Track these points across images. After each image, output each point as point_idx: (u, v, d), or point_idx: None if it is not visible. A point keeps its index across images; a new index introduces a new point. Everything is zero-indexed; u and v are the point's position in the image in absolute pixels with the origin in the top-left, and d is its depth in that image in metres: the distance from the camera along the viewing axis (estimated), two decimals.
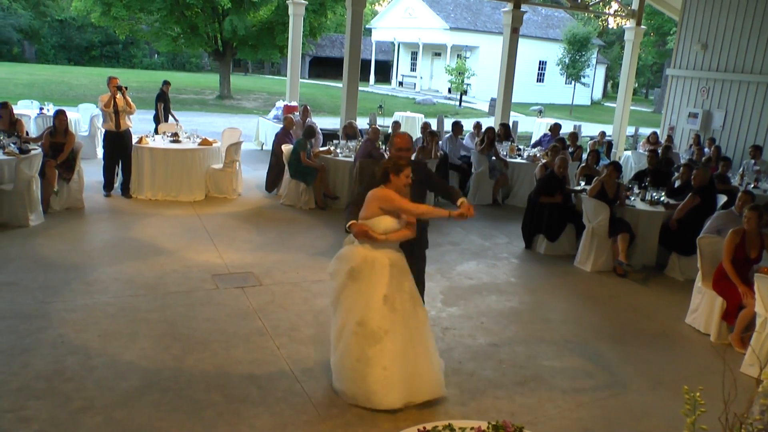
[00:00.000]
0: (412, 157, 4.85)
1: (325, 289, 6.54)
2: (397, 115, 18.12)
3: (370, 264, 4.31)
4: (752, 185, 10.40)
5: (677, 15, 15.83)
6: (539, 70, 42.80)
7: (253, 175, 11.60)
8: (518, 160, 11.56)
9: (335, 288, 4.46)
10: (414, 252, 4.91)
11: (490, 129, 11.34)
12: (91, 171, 10.01)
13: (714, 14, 14.02)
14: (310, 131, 9.95)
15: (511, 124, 14.67)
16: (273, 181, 10.55)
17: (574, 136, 12.42)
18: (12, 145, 8.14)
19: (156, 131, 10.87)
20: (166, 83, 13.56)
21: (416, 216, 4.41)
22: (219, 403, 4.32)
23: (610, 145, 13.77)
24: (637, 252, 8.11)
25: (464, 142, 12.28)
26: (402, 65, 46.30)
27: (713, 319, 6.08)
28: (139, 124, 13.95)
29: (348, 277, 4.33)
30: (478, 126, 12.57)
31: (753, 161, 11.63)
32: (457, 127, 11.99)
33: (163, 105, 13.16)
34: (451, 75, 36.16)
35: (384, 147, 10.53)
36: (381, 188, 4.37)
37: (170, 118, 13.12)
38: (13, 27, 42.56)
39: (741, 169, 11.49)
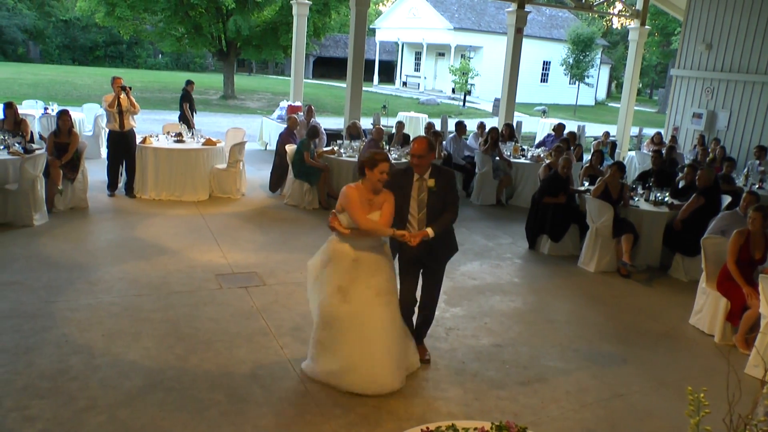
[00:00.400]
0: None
1: None
2: (401, 116, 18.11)
3: (337, 255, 4.55)
4: (757, 186, 10.37)
5: (682, 15, 15.80)
6: (543, 70, 42.75)
7: (257, 175, 11.61)
8: (522, 160, 11.55)
9: (311, 278, 4.71)
10: (438, 255, 4.92)
11: (493, 129, 11.33)
12: (95, 171, 10.04)
13: (718, 14, 13.98)
14: (313, 131, 9.95)
15: (514, 125, 14.66)
16: (277, 181, 10.56)
17: (573, 135, 12.39)
18: (17, 145, 8.17)
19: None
20: (190, 83, 13.53)
21: (361, 228, 4.45)
22: (222, 403, 4.32)
23: (614, 145, 13.75)
24: (641, 252, 8.10)
25: (468, 142, 12.27)
26: (406, 65, 46.29)
27: (717, 320, 6.07)
28: (143, 124, 13.97)
29: (322, 266, 4.61)
30: (481, 126, 12.56)
31: (758, 162, 11.59)
32: (460, 127, 11.99)
33: (188, 105, 13.15)
34: (455, 75, 36.14)
35: (388, 147, 10.54)
36: (352, 186, 4.52)
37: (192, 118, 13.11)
38: (18, 27, 42.73)
39: (746, 169, 11.46)
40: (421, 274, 5.02)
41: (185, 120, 12.53)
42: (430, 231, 4.60)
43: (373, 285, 4.52)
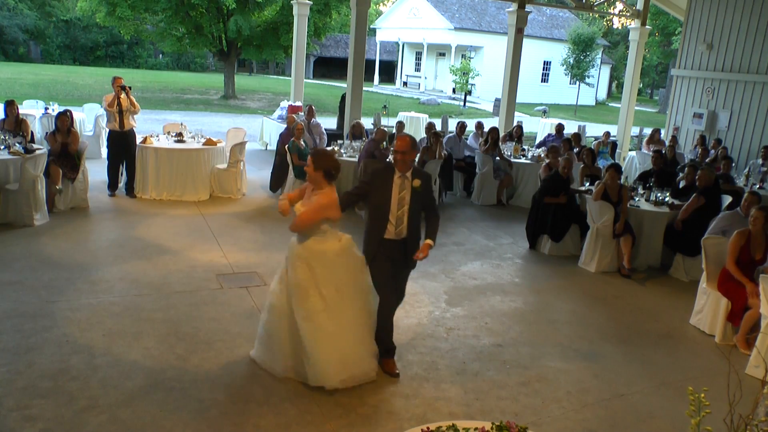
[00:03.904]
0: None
1: None
2: (402, 116, 18.12)
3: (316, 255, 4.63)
4: (758, 186, 10.36)
5: (682, 15, 15.79)
6: (544, 70, 42.73)
7: (257, 175, 11.60)
8: (522, 160, 11.55)
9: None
10: (410, 256, 4.87)
11: (494, 129, 11.33)
12: (95, 171, 10.04)
13: (719, 14, 13.97)
14: (292, 131, 9.88)
15: (514, 124, 14.66)
16: (277, 181, 10.55)
17: (576, 136, 12.40)
18: (17, 144, 8.17)
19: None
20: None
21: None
22: (223, 403, 4.32)
23: (614, 145, 13.75)
24: (641, 253, 8.10)
25: (468, 141, 12.28)
26: (406, 65, 46.27)
27: (718, 320, 6.07)
28: (144, 124, 13.99)
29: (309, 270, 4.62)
30: (480, 126, 12.56)
31: (761, 162, 11.57)
32: (460, 126, 12.00)
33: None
34: (456, 75, 36.12)
35: (389, 147, 10.53)
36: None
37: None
38: (19, 27, 42.76)
39: (747, 169, 11.44)
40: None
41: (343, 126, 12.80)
42: (431, 242, 4.74)
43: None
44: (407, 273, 5.09)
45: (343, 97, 14.02)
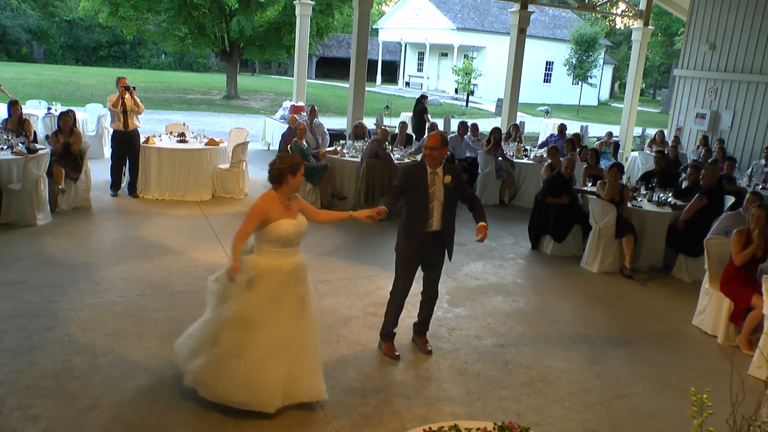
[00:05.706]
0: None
1: (332, 289, 6.56)
2: (404, 116, 18.08)
3: (270, 272, 4.15)
4: (760, 186, 10.34)
5: (685, 15, 15.77)
6: (546, 70, 42.71)
7: (260, 175, 11.59)
8: (525, 160, 11.55)
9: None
10: (444, 248, 5.09)
11: (496, 129, 11.32)
12: (98, 170, 10.04)
13: (722, 14, 13.95)
14: (294, 131, 9.91)
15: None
16: None
17: (577, 136, 12.39)
18: (20, 144, 8.19)
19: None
20: (425, 97, 15.29)
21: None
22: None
23: (617, 145, 13.75)
24: (644, 253, 8.09)
25: (466, 139, 12.28)
26: (409, 65, 46.28)
27: (720, 321, 6.06)
28: (146, 124, 13.98)
29: (247, 287, 4.14)
30: (475, 128, 12.57)
31: (764, 162, 11.54)
32: (462, 127, 12.00)
33: (427, 115, 14.67)
34: (458, 75, 36.13)
35: (390, 147, 10.54)
36: (271, 196, 4.18)
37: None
38: (22, 27, 42.86)
39: (750, 169, 11.42)
40: (420, 268, 5.18)
41: (420, 130, 12.95)
42: (485, 224, 4.94)
43: (298, 294, 4.23)
44: (440, 265, 5.18)
45: (418, 101, 14.36)
